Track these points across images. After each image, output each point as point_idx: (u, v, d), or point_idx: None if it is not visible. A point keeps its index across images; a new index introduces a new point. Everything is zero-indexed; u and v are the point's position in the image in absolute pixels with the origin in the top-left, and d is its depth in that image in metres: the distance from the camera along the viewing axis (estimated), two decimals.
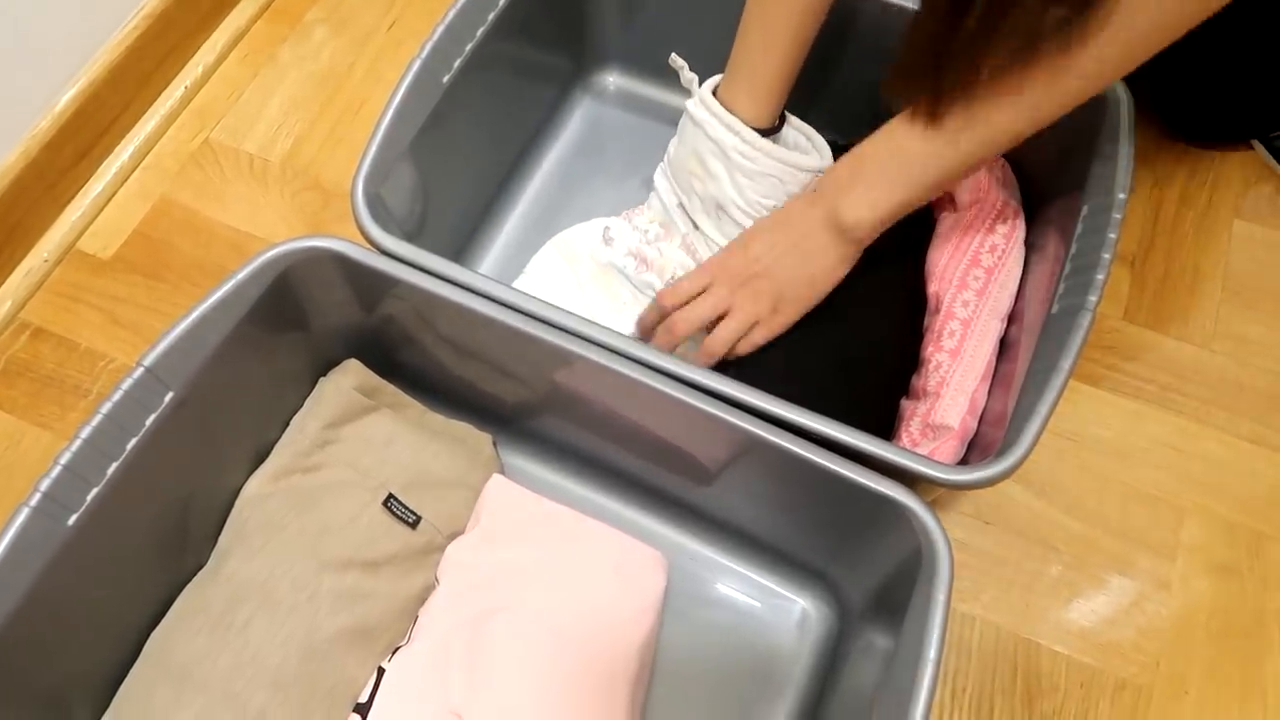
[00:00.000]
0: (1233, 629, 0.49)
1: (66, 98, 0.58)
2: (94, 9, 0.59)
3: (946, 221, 0.54)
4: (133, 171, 0.61)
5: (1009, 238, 0.52)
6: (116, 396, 0.40)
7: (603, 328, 0.42)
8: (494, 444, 0.52)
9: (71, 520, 0.39)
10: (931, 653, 0.36)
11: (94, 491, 0.39)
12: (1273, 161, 0.63)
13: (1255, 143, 0.63)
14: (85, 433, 0.39)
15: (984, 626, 0.49)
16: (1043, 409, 0.40)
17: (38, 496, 0.38)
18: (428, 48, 0.49)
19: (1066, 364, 0.41)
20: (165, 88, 0.64)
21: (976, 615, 0.50)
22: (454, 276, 0.44)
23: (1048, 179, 0.55)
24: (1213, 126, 0.63)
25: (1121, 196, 0.46)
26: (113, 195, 0.60)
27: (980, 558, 0.51)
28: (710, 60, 0.61)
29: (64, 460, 0.39)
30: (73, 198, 0.59)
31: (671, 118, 0.64)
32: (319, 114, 0.64)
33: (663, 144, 0.64)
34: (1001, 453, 0.40)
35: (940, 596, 0.37)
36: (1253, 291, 0.59)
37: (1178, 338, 0.58)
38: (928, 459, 0.39)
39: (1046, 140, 0.54)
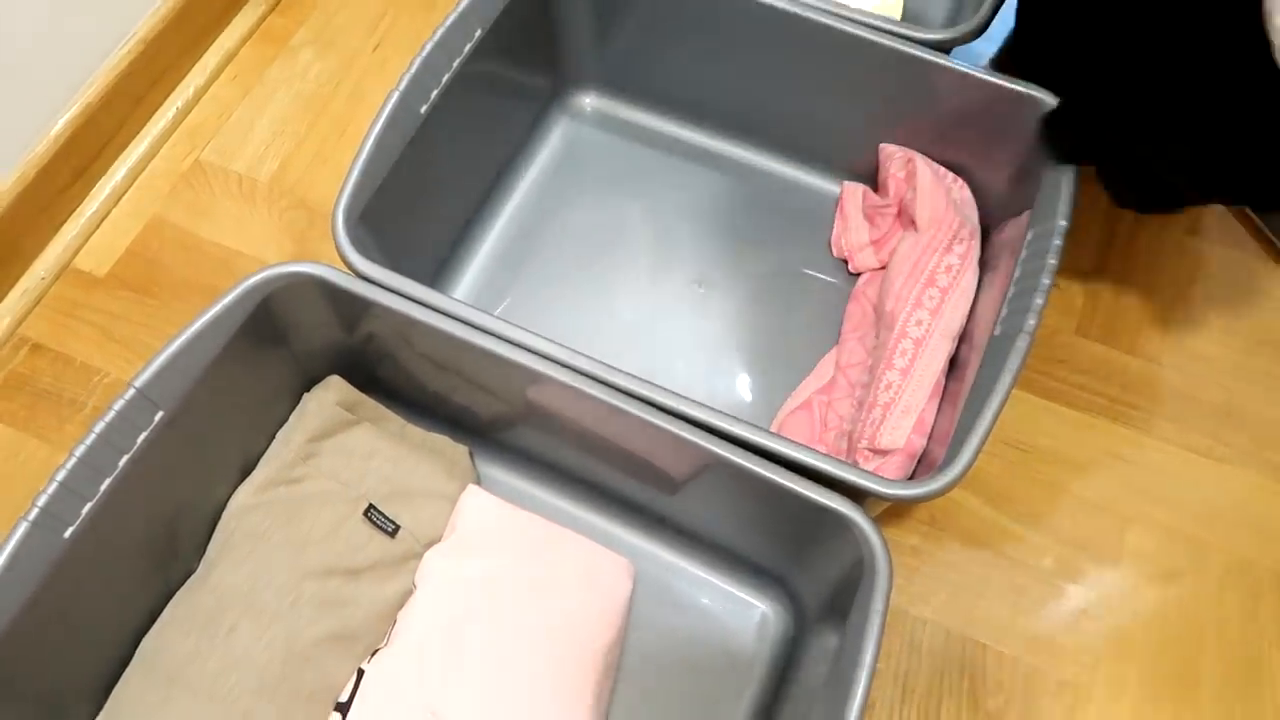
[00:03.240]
0: (1171, 633, 0.52)
1: (62, 122, 0.60)
2: (88, 34, 0.61)
3: (906, 242, 0.57)
4: (126, 191, 0.64)
5: (964, 258, 0.55)
6: (109, 416, 0.42)
7: (572, 351, 0.45)
8: (470, 455, 0.54)
9: (68, 533, 0.41)
10: (868, 655, 0.39)
11: (89, 506, 0.42)
12: None
13: None
14: (80, 451, 0.42)
15: (934, 629, 0.52)
16: (980, 429, 0.43)
17: (35, 511, 0.40)
18: (405, 80, 0.51)
19: (1003, 386, 0.43)
20: (157, 109, 0.66)
21: (928, 618, 0.52)
22: (430, 301, 0.46)
23: (1004, 201, 0.57)
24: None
25: (1063, 224, 0.48)
26: (106, 215, 0.63)
27: (933, 564, 0.54)
28: (683, 83, 0.64)
29: (60, 477, 0.41)
30: (68, 217, 0.62)
31: (647, 138, 0.67)
32: (305, 134, 0.67)
33: (638, 162, 0.66)
34: (941, 469, 0.42)
35: (878, 605, 0.40)
36: (1202, 309, 0.62)
37: (1128, 352, 0.60)
38: (871, 474, 0.42)
39: (1003, 163, 0.57)
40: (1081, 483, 0.56)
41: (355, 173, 0.49)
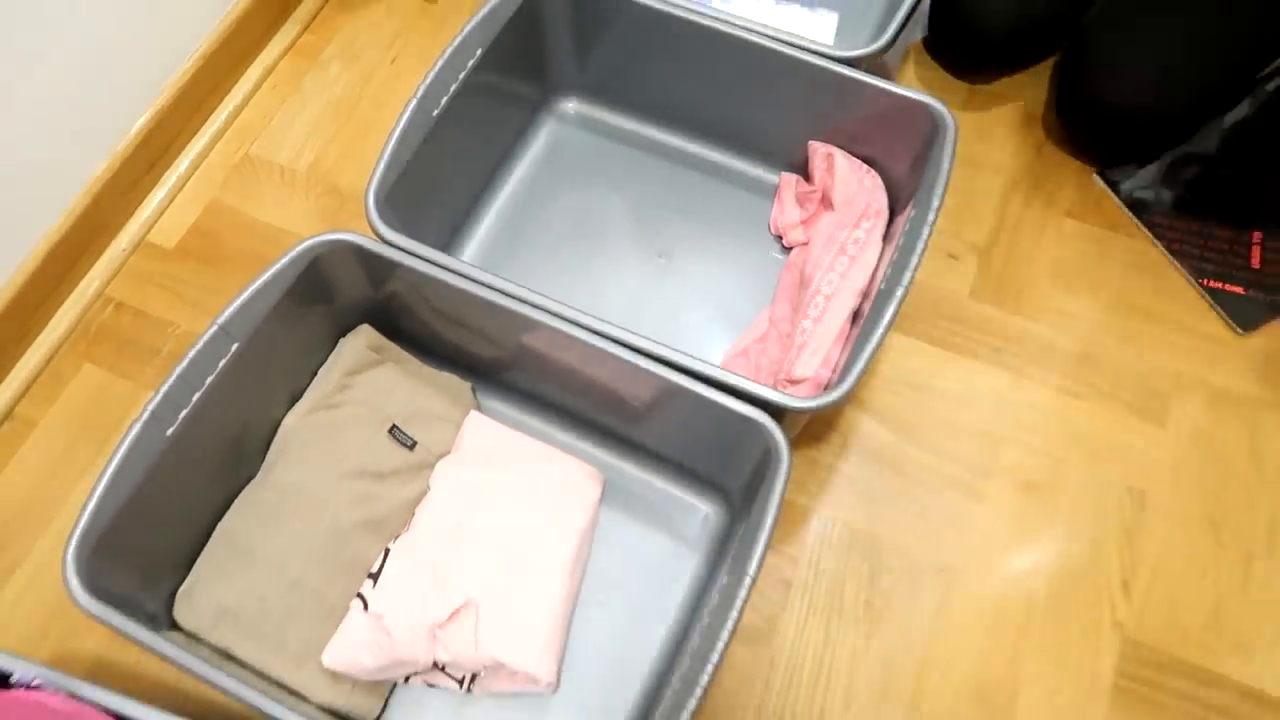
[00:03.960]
0: (1023, 529, 0.65)
1: (139, 123, 0.73)
2: (158, 52, 0.74)
3: (825, 220, 0.70)
4: (189, 180, 0.77)
5: (870, 232, 0.68)
6: (198, 345, 0.55)
7: (557, 301, 0.57)
8: (473, 389, 0.68)
9: (169, 432, 0.54)
10: (769, 518, 0.52)
11: (183, 412, 0.55)
12: (1100, 182, 0.79)
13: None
14: (177, 370, 0.55)
15: (841, 526, 0.65)
16: (862, 358, 0.56)
17: (146, 414, 0.54)
18: (421, 89, 0.65)
19: (881, 325, 0.56)
20: (213, 113, 0.79)
21: (837, 518, 0.66)
22: (443, 262, 0.59)
23: (905, 186, 0.70)
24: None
25: (936, 203, 0.61)
26: (173, 199, 0.76)
27: (844, 477, 0.67)
28: (650, 92, 0.77)
29: (164, 389, 0.54)
30: (143, 200, 0.75)
31: (621, 137, 0.80)
32: (335, 133, 0.80)
33: (613, 158, 0.80)
34: (831, 389, 0.56)
35: (778, 485, 0.53)
36: (1073, 276, 0.75)
37: (1012, 312, 0.73)
38: (780, 392, 0.55)
39: (903, 156, 0.70)
40: (967, 414, 0.69)
41: (382, 162, 0.62)
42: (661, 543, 0.64)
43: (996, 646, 0.62)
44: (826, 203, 0.71)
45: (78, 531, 0.51)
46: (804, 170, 0.75)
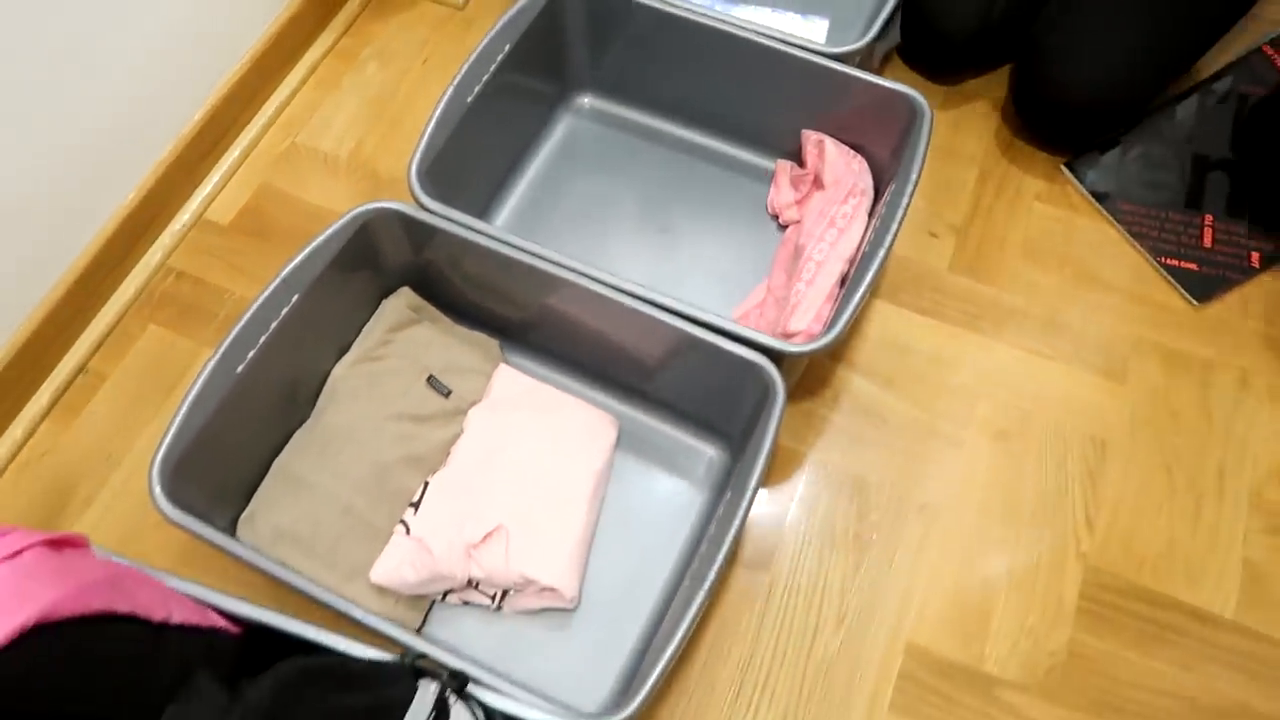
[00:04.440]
0: (996, 468, 0.72)
1: (198, 114, 0.81)
2: (213, 54, 0.82)
3: (817, 197, 0.78)
4: (241, 165, 0.85)
5: (856, 207, 0.76)
6: (265, 293, 0.63)
7: (579, 262, 0.65)
8: (500, 346, 0.75)
9: (238, 370, 0.62)
10: (765, 449, 0.59)
11: (251, 353, 0.62)
12: (1067, 172, 0.87)
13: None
14: (247, 314, 0.62)
15: (832, 469, 0.72)
16: (847, 311, 0.63)
17: (220, 352, 0.61)
18: (456, 79, 0.72)
19: (864, 284, 0.64)
20: (262, 106, 0.87)
21: (829, 463, 0.73)
22: (477, 227, 0.67)
23: (887, 168, 0.78)
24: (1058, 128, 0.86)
25: (914, 180, 0.69)
26: (228, 181, 0.84)
27: (835, 427, 0.74)
28: (658, 88, 0.85)
29: (234, 333, 0.61)
30: (201, 182, 0.83)
31: (631, 129, 0.88)
32: (372, 126, 0.88)
33: (624, 147, 0.88)
34: (819, 337, 0.63)
35: (773, 422, 0.60)
36: (1041, 253, 0.83)
37: (986, 283, 0.81)
38: (776, 339, 0.62)
39: (886, 142, 0.78)
40: (946, 373, 0.77)
41: (423, 141, 0.70)
42: (670, 482, 0.71)
43: (972, 574, 0.69)
44: (818, 184, 0.79)
45: (161, 451, 0.58)
46: (797, 157, 0.83)
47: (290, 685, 0.35)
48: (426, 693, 0.40)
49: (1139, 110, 0.85)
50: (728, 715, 0.64)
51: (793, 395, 0.75)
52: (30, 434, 0.72)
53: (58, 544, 0.41)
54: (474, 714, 0.44)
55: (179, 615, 0.46)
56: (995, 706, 0.64)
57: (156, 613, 0.43)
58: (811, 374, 0.76)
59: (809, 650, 0.66)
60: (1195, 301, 0.80)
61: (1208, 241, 0.83)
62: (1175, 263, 0.82)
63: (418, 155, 0.69)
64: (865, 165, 0.80)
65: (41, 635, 0.36)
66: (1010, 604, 0.68)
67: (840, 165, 0.78)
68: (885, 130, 0.77)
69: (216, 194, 0.83)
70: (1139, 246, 0.83)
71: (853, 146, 0.80)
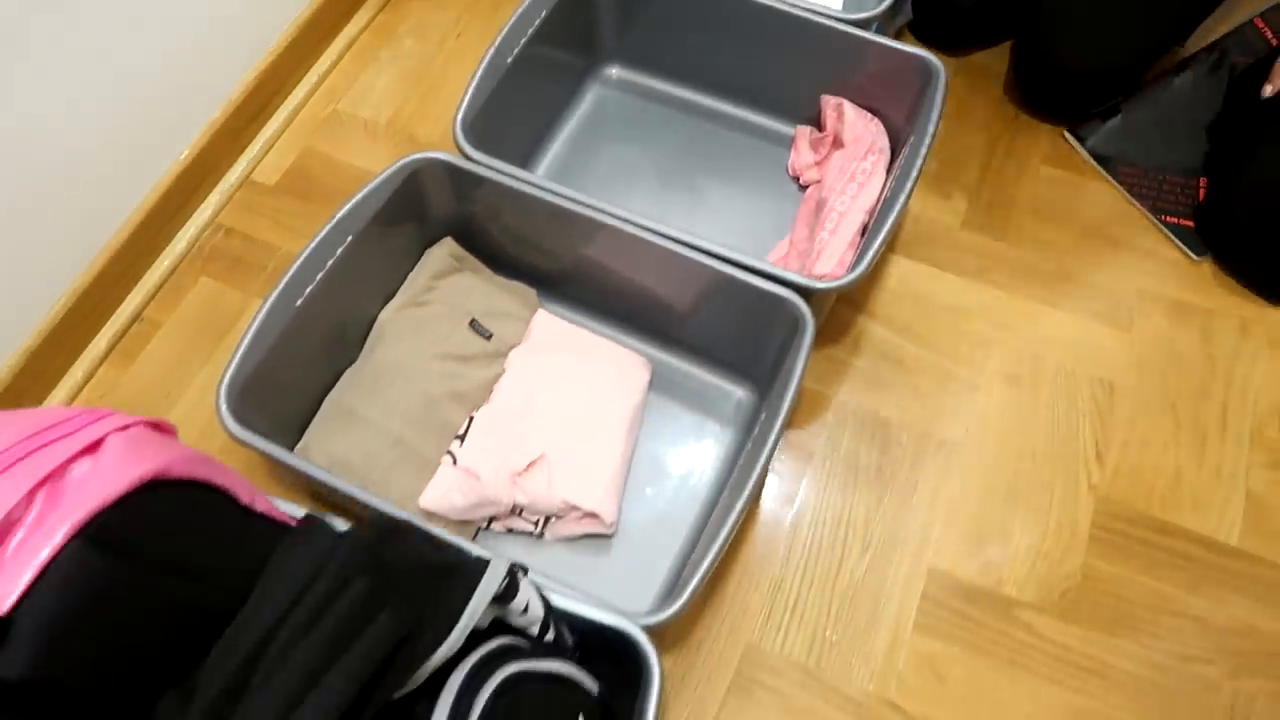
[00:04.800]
0: (1009, 408, 0.76)
1: (244, 82, 0.86)
2: (259, 26, 0.87)
3: (836, 155, 0.82)
4: (285, 130, 0.89)
5: (875, 164, 0.80)
6: (321, 233, 0.67)
7: (616, 207, 0.69)
8: (536, 295, 0.79)
9: (297, 303, 0.65)
10: (794, 379, 0.62)
11: (309, 289, 0.66)
12: (1070, 138, 0.91)
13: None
14: (304, 255, 0.66)
15: (856, 408, 0.76)
16: (868, 255, 0.67)
17: (281, 285, 0.64)
18: (496, 42, 0.76)
19: (884, 230, 0.67)
20: (304, 76, 0.91)
21: (851, 402, 0.76)
22: (518, 175, 0.71)
23: (902, 130, 0.83)
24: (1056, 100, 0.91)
25: (929, 138, 0.73)
26: (273, 145, 0.88)
27: (857, 370, 0.78)
28: (683, 58, 0.90)
29: (293, 269, 0.65)
30: (248, 145, 0.87)
31: (657, 98, 0.93)
32: (410, 95, 0.92)
33: (652, 116, 0.92)
34: (844, 276, 0.67)
35: (803, 352, 0.63)
36: (1048, 212, 0.87)
37: (996, 239, 0.85)
38: (804, 276, 0.66)
39: (901, 104, 0.82)
40: (961, 321, 0.80)
41: (466, 97, 0.74)
42: (701, 422, 0.75)
43: (990, 505, 0.72)
44: (838, 143, 0.83)
45: (227, 376, 0.61)
46: (816, 122, 0.88)
47: (391, 531, 0.39)
48: (499, 565, 0.43)
49: (1133, 79, 0.89)
50: (759, 636, 0.67)
51: (816, 341, 0.78)
52: (89, 376, 0.76)
53: (156, 426, 0.45)
54: (538, 593, 0.48)
55: (260, 505, 0.49)
56: (1014, 625, 0.68)
57: (244, 496, 0.47)
58: (833, 322, 0.80)
59: (835, 576, 0.69)
60: (1194, 256, 0.84)
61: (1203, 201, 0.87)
62: (1175, 220, 0.86)
63: (462, 109, 0.73)
64: (882, 127, 0.84)
65: (157, 490, 0.39)
66: (1026, 532, 0.71)
67: (859, 125, 0.82)
68: (901, 93, 0.81)
69: (262, 156, 0.87)
70: (1140, 206, 0.87)
71: (869, 110, 0.84)
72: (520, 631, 0.47)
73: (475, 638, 0.43)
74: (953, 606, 0.68)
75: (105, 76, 0.72)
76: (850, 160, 0.80)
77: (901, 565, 0.70)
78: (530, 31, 0.80)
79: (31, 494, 0.37)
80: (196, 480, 0.42)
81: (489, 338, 0.74)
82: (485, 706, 0.39)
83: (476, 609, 0.39)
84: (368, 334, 0.74)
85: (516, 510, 0.68)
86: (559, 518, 0.68)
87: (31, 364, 0.72)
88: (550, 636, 0.49)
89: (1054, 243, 0.85)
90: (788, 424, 0.63)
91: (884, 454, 0.74)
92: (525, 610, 0.46)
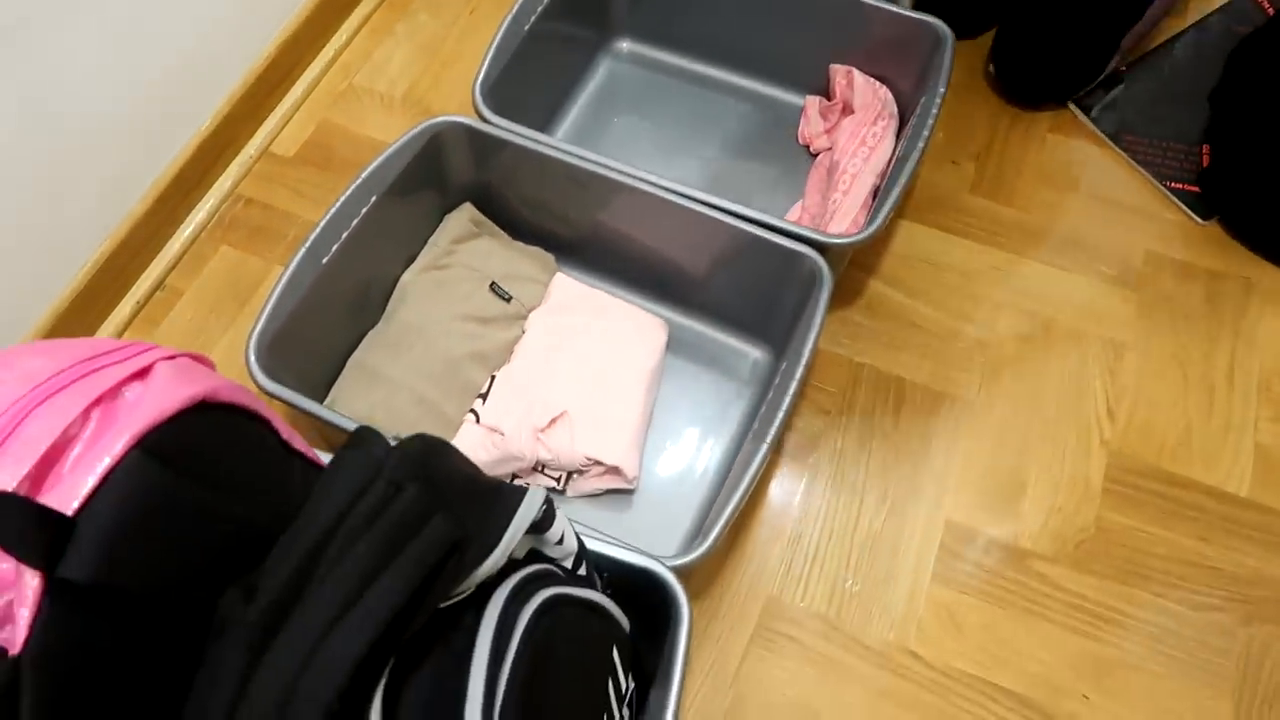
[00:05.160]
0: (1021, 367, 0.77)
1: (262, 55, 0.87)
2: (277, 2, 0.88)
3: (845, 121, 0.83)
4: (303, 102, 0.90)
5: (885, 129, 0.81)
6: (347, 192, 0.68)
7: (634, 168, 0.70)
8: (554, 259, 0.80)
9: (324, 260, 0.66)
10: (813, 332, 0.63)
11: (335, 246, 0.67)
12: (1074, 108, 0.93)
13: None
14: (332, 210, 0.66)
15: (869, 369, 0.77)
16: (882, 213, 0.68)
17: (306, 246, 0.66)
18: (511, 13, 0.78)
19: (896, 190, 0.69)
20: (321, 50, 0.93)
21: (865, 362, 0.77)
22: (538, 138, 0.72)
23: (911, 97, 0.84)
24: (1033, 91, 0.92)
25: (942, 90, 0.74)
26: (291, 117, 0.89)
27: (870, 331, 0.79)
28: (693, 32, 0.91)
29: (320, 226, 0.66)
30: (266, 117, 0.88)
31: (667, 71, 0.94)
32: (425, 68, 0.94)
33: (661, 88, 0.93)
34: (858, 233, 0.68)
35: (820, 306, 0.64)
36: (1054, 177, 0.88)
37: (1004, 204, 0.86)
38: (819, 231, 0.67)
39: (910, 72, 0.84)
40: (970, 284, 0.82)
41: (485, 63, 0.75)
42: (718, 382, 0.76)
43: (1004, 460, 0.73)
44: (847, 110, 0.85)
45: (256, 330, 0.62)
46: (825, 92, 0.89)
47: (437, 448, 0.40)
48: (537, 493, 0.44)
49: (1099, 64, 0.90)
50: (780, 586, 0.68)
51: (830, 304, 0.80)
52: None
53: (198, 358, 0.46)
54: (572, 527, 0.48)
55: (298, 444, 0.50)
56: (1030, 576, 0.69)
57: (284, 431, 0.48)
58: (846, 285, 0.81)
59: (854, 528, 0.71)
60: (1199, 220, 0.86)
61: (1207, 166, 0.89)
62: (1179, 185, 0.88)
63: (480, 75, 0.75)
64: (890, 95, 0.85)
65: (207, 413, 0.40)
66: (1040, 486, 0.72)
67: (868, 92, 0.83)
68: (909, 61, 0.82)
69: (280, 129, 0.88)
70: (1145, 172, 0.89)
71: (878, 78, 0.86)
72: (555, 563, 0.48)
73: (513, 565, 0.44)
74: (970, 558, 0.69)
75: (133, 48, 0.73)
76: (860, 125, 0.81)
77: (918, 518, 0.71)
78: (543, 4, 0.81)
79: (87, 412, 0.38)
80: (242, 406, 0.43)
81: (509, 300, 0.75)
82: (529, 622, 0.40)
83: (520, 526, 0.40)
84: (390, 295, 0.75)
85: (539, 466, 0.69)
86: (581, 473, 0.69)
87: (57, 329, 0.73)
88: (583, 572, 0.50)
89: (1062, 207, 0.86)
90: (805, 380, 0.65)
91: (899, 411, 0.75)
92: (560, 541, 0.47)
